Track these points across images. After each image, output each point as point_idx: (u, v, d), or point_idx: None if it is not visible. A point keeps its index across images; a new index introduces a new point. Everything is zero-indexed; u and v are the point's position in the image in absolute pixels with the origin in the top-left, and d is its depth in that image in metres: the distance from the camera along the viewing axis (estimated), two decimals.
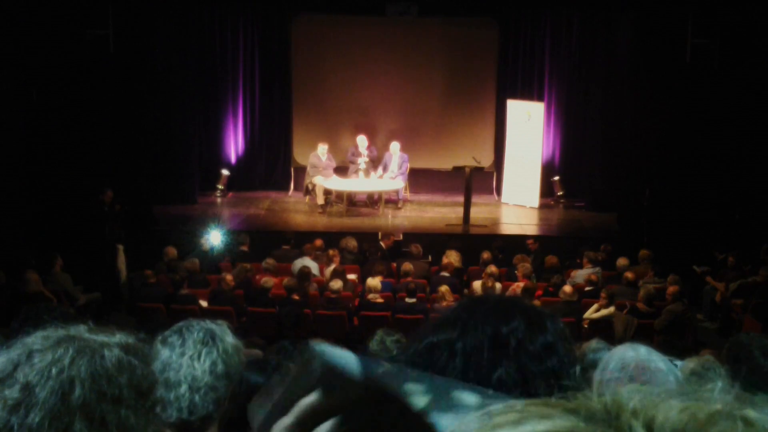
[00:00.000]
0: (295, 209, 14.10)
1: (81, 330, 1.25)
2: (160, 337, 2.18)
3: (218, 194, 14.66)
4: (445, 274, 10.45)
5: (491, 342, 1.12)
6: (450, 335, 1.14)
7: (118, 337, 1.26)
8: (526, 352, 1.11)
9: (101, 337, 1.25)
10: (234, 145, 15.16)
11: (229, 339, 2.22)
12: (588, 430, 0.48)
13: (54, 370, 1.17)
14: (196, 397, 2.10)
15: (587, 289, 10.24)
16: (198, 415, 2.10)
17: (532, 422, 0.49)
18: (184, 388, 2.10)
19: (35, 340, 1.22)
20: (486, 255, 11.00)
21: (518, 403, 0.52)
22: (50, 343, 1.21)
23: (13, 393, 1.16)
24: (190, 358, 2.13)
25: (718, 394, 0.52)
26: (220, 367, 2.14)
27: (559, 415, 0.50)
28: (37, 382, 1.16)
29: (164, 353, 2.14)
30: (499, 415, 0.51)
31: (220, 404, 2.14)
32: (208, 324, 2.23)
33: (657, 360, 2.30)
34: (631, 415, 0.50)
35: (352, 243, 11.56)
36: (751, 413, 0.51)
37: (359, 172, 14.01)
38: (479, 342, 1.12)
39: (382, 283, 9.99)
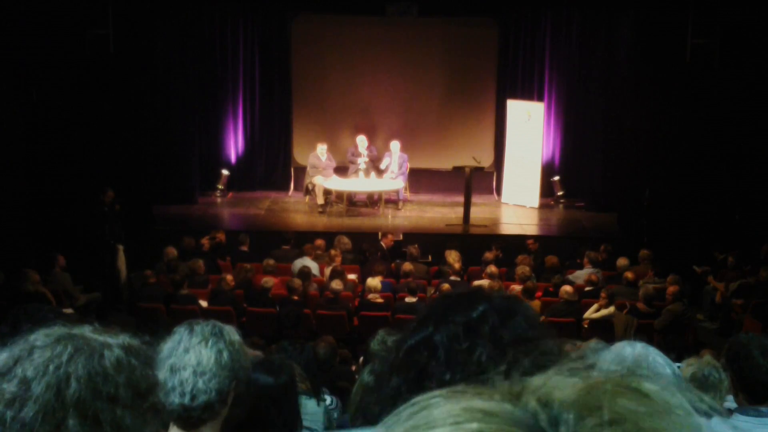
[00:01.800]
0: (295, 209, 14.11)
1: (84, 330, 1.26)
2: (169, 334, 2.23)
3: (218, 194, 14.67)
4: (455, 278, 10.39)
5: (465, 329, 1.16)
6: (425, 334, 1.18)
7: (121, 338, 1.27)
8: (499, 330, 1.16)
9: (103, 337, 1.26)
10: (234, 145, 15.17)
11: (237, 337, 2.28)
12: (484, 406, 0.53)
13: (51, 366, 1.18)
14: (200, 382, 2.14)
15: (587, 289, 10.25)
16: (199, 402, 2.13)
17: (443, 405, 0.55)
18: (188, 372, 2.15)
19: (38, 336, 1.24)
20: (489, 255, 11.00)
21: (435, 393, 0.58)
22: (51, 340, 1.22)
23: (11, 387, 1.17)
24: (198, 344, 2.18)
25: (619, 370, 0.57)
26: (225, 356, 2.18)
27: (468, 397, 0.55)
28: (33, 376, 1.17)
29: (173, 339, 2.19)
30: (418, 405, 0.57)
31: (222, 396, 2.16)
32: (217, 322, 2.29)
33: (654, 354, 2.31)
34: (530, 394, 0.54)
35: (344, 240, 11.55)
36: (646, 385, 0.54)
37: (359, 172, 14.01)
38: (454, 332, 1.16)
39: (382, 283, 9.99)
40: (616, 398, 0.52)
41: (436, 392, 0.57)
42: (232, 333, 2.26)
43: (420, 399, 0.57)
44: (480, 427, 0.51)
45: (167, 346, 2.18)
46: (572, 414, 0.51)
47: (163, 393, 1.48)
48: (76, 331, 1.25)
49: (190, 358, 2.15)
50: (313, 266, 10.69)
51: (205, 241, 11.39)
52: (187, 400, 2.13)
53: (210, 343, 2.18)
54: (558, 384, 0.55)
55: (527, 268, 10.34)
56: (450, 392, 0.56)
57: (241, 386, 2.86)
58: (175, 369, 2.14)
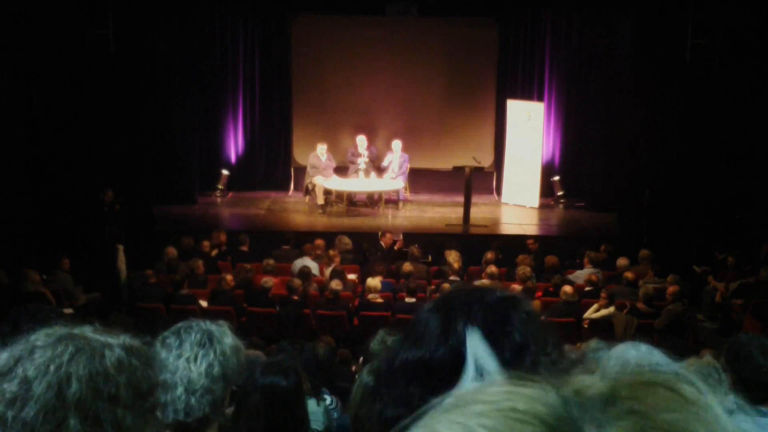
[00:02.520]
0: (295, 209, 14.11)
1: (85, 330, 1.26)
2: (159, 338, 2.19)
3: (218, 194, 14.67)
4: (455, 278, 10.38)
5: (454, 355, 1.13)
6: (417, 353, 1.15)
7: (122, 339, 1.27)
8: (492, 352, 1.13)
9: (104, 338, 1.26)
10: (234, 145, 15.17)
11: (228, 340, 2.21)
12: (525, 390, 0.56)
13: (52, 366, 1.18)
14: (192, 400, 2.11)
15: (587, 289, 10.24)
16: (194, 417, 2.11)
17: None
18: (180, 390, 2.11)
19: (39, 336, 1.23)
20: (490, 255, 10.99)
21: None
22: (52, 340, 1.22)
23: (11, 387, 1.17)
24: (186, 361, 2.13)
25: (660, 370, 0.59)
26: (216, 369, 2.14)
27: (514, 383, 0.58)
28: (34, 376, 1.17)
29: (162, 355, 2.14)
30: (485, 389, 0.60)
31: (216, 406, 2.14)
32: (208, 325, 2.22)
33: (657, 357, 2.30)
34: (567, 385, 0.58)
35: (345, 240, 11.55)
36: (681, 385, 0.56)
37: (359, 172, 14.02)
38: (444, 358, 1.13)
39: (382, 283, 9.99)
40: (644, 393, 0.55)
41: (494, 380, 0.61)
42: (223, 337, 2.19)
43: (478, 385, 0.61)
44: (512, 405, 0.54)
45: (158, 361, 2.11)
46: (599, 402, 0.54)
47: (160, 407, 1.47)
48: (77, 331, 1.26)
49: (181, 377, 2.11)
50: (313, 266, 10.68)
51: (207, 245, 11.35)
52: (181, 416, 2.10)
53: (200, 357, 2.13)
54: (596, 378, 0.58)
55: (527, 268, 10.32)
56: (503, 380, 0.59)
57: (257, 396, 2.84)
58: (166, 387, 2.10)
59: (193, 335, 2.17)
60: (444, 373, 1.11)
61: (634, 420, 0.53)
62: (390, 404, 1.17)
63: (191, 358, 2.13)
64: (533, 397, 0.55)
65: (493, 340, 1.13)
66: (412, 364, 1.16)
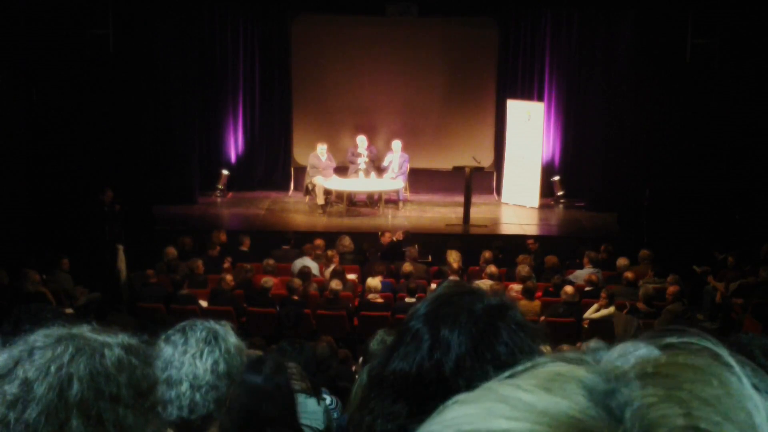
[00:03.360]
0: (295, 209, 14.11)
1: (83, 329, 1.26)
2: (163, 336, 2.19)
3: (218, 194, 14.67)
4: (455, 278, 10.37)
5: (438, 369, 1.14)
6: (405, 367, 1.16)
7: (121, 338, 1.27)
8: (477, 368, 1.13)
9: (103, 337, 1.26)
10: (234, 145, 15.17)
11: (232, 339, 2.22)
12: (571, 362, 0.62)
13: (53, 367, 1.18)
14: (197, 396, 2.11)
15: (587, 289, 10.24)
16: (198, 414, 2.11)
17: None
18: (185, 386, 2.11)
19: (37, 337, 1.23)
20: (487, 254, 10.99)
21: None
22: (51, 341, 1.22)
23: (12, 388, 1.17)
24: (192, 357, 2.13)
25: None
26: (221, 366, 2.14)
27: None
28: (35, 378, 1.17)
29: (167, 351, 2.15)
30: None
31: (220, 404, 2.14)
32: (212, 324, 2.24)
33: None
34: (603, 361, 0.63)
35: (346, 241, 11.56)
36: (726, 375, 0.59)
37: (359, 172, 14.02)
38: (429, 374, 1.14)
39: (382, 283, 9.99)
40: (673, 369, 0.59)
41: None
42: (228, 336, 2.21)
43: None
44: (556, 370, 0.61)
45: (163, 357, 2.13)
46: (631, 372, 0.60)
47: (161, 406, 1.47)
48: (76, 331, 1.25)
49: (186, 373, 2.11)
50: (313, 266, 10.68)
51: (215, 252, 11.32)
52: (185, 413, 2.10)
53: (205, 354, 2.14)
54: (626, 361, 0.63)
55: (527, 268, 10.32)
56: (550, 356, 0.65)
57: (240, 392, 2.85)
58: (172, 383, 2.10)
59: (198, 332, 2.18)
60: (429, 389, 1.11)
61: (664, 386, 0.57)
62: (379, 418, 1.17)
63: (197, 355, 2.14)
64: (576, 364, 0.62)
65: (479, 354, 1.13)
66: (400, 377, 1.16)
